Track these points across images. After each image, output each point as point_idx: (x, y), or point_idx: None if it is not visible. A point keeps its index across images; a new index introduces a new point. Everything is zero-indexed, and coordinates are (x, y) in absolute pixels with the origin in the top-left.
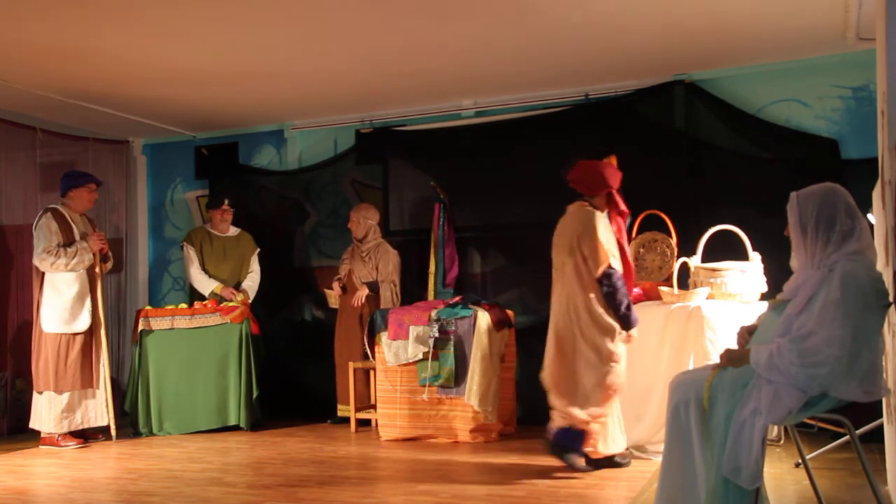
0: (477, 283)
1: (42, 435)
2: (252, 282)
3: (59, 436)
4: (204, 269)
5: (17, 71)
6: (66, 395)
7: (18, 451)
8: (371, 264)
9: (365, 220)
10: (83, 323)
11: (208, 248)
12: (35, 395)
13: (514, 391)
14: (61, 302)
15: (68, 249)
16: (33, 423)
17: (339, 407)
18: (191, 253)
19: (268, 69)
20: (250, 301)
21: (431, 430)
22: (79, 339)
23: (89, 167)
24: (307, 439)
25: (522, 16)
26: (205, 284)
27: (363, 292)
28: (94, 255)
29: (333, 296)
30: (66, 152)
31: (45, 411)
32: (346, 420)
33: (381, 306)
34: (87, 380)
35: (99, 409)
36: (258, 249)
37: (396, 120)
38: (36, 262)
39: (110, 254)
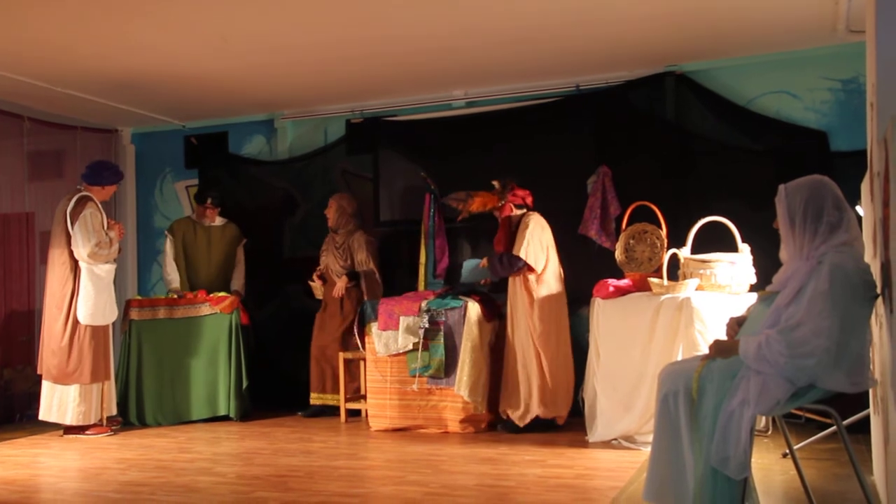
0: None
1: (69, 425)
2: (240, 275)
3: (95, 425)
4: (189, 261)
5: (3, 59)
6: (97, 385)
7: (7, 441)
8: (346, 254)
9: (338, 208)
10: (115, 312)
11: (192, 238)
12: (60, 388)
13: None
14: (105, 294)
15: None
16: (49, 416)
17: (312, 395)
18: (168, 244)
19: (258, 58)
20: (242, 296)
21: (421, 421)
22: (109, 328)
23: (77, 156)
24: (297, 429)
25: (513, 5)
26: (168, 279)
27: (342, 283)
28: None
29: (318, 287)
30: (53, 141)
31: (74, 403)
32: (321, 410)
33: (366, 296)
34: (109, 369)
35: (110, 398)
36: (244, 240)
37: (387, 110)
38: (87, 255)
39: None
